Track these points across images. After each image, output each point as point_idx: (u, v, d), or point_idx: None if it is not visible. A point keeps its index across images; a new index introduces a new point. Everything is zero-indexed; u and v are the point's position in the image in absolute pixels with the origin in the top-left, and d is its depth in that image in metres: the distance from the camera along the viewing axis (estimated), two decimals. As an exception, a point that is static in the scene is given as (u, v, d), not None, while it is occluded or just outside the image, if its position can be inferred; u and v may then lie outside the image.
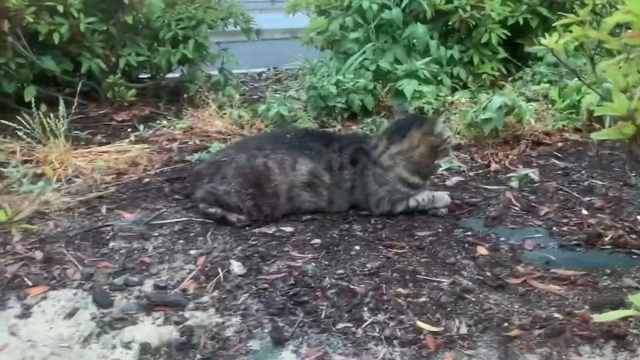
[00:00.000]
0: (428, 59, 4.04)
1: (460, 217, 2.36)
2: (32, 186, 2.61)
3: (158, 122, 3.83)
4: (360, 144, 2.47)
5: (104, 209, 2.48)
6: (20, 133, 2.97)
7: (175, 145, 3.39)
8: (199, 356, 1.54)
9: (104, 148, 3.31)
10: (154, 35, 4.37)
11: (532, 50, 3.55)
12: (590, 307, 1.70)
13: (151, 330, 1.66)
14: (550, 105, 3.51)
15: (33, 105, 3.14)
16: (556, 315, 1.66)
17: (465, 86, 4.24)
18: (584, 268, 1.92)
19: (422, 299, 1.77)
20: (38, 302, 1.80)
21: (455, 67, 4.28)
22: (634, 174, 2.53)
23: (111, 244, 2.18)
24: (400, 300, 1.76)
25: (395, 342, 1.57)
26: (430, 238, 2.17)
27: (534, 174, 2.73)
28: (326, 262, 2.01)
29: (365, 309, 1.72)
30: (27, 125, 3.09)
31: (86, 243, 2.19)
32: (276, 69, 6.03)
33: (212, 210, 2.35)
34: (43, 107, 3.45)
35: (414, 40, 4.22)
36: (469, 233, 2.21)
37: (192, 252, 2.10)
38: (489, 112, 2.99)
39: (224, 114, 3.80)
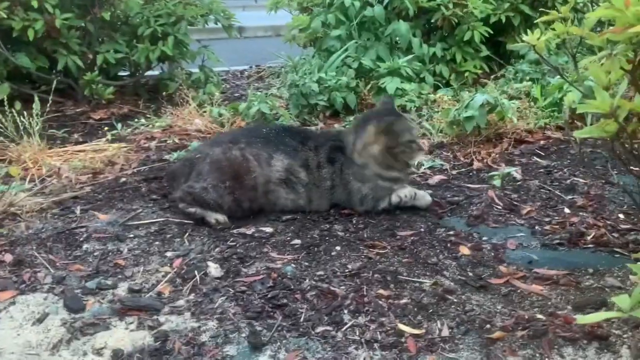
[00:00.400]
0: (410, 56, 4.01)
1: (443, 216, 2.33)
2: (3, 186, 2.52)
3: (136, 120, 3.75)
4: (336, 141, 2.42)
5: (78, 210, 2.41)
6: (-8, 132, 2.88)
7: (153, 144, 3.32)
8: (173, 362, 1.49)
9: (80, 147, 3.23)
10: (133, 31, 4.28)
11: (514, 47, 3.54)
12: (573, 308, 1.68)
13: (124, 335, 1.60)
14: (532, 103, 3.50)
15: (6, 103, 3.05)
16: (539, 316, 1.63)
17: (447, 84, 4.22)
18: (567, 267, 1.90)
19: (404, 301, 1.74)
20: (6, 307, 1.73)
21: (437, 65, 4.25)
22: (615, 172, 2.52)
23: (85, 246, 2.12)
24: (381, 302, 1.72)
25: (375, 345, 1.53)
26: (412, 238, 2.14)
27: (516, 172, 2.71)
28: (306, 263, 1.96)
29: (346, 311, 1.68)
30: (0, 124, 3.01)
31: (59, 245, 2.12)
32: (258, 66, 5.96)
33: (191, 209, 2.29)
34: (17, 105, 3.36)
35: (397, 38, 4.18)
36: (451, 232, 2.18)
37: (169, 253, 2.05)
38: (471, 110, 2.97)
39: (204, 112, 3.73)
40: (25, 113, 3.03)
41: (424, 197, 2.37)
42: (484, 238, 2.14)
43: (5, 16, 3.64)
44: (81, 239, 2.16)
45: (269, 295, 1.76)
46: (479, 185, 2.62)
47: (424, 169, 2.84)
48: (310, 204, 2.36)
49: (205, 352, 1.53)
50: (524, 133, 3.22)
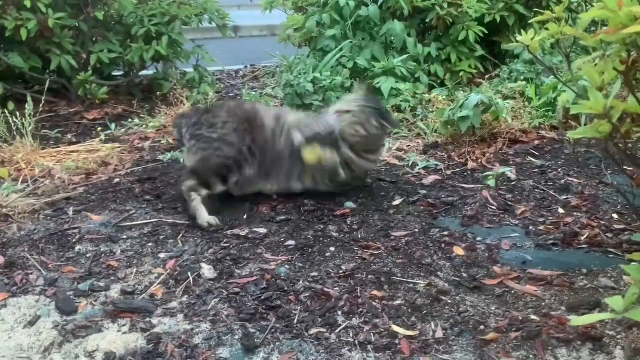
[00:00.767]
0: (405, 56, 4.00)
1: (437, 217, 2.33)
2: (-5, 188, 2.51)
3: (130, 120, 3.73)
4: None
5: (71, 211, 2.40)
6: (-16, 132, 2.86)
7: (147, 144, 3.30)
8: (165, 365, 1.48)
9: (73, 147, 3.21)
10: (127, 31, 4.26)
11: (509, 47, 3.54)
12: (567, 309, 1.67)
13: (116, 338, 1.59)
14: (527, 103, 3.50)
15: (-2, 103, 3.04)
16: (533, 317, 1.63)
17: (442, 84, 4.21)
18: (561, 268, 1.90)
19: (398, 302, 1.73)
20: (-3, 310, 1.72)
21: (432, 65, 4.24)
22: (609, 172, 2.52)
23: (77, 247, 2.11)
24: (375, 304, 1.72)
25: (369, 347, 1.53)
26: (406, 238, 2.14)
27: (510, 172, 2.71)
28: (300, 265, 1.96)
29: (340, 313, 1.68)
30: (-8, 124, 2.99)
31: (51, 247, 2.11)
32: (253, 66, 5.94)
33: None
34: (10, 105, 3.35)
35: (392, 38, 4.17)
36: (446, 233, 2.17)
37: (162, 255, 2.04)
38: (465, 110, 2.97)
39: (199, 112, 3.71)
40: (18, 113, 3.02)
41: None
42: (479, 238, 2.13)
43: (-3, 16, 3.62)
44: (74, 241, 2.15)
45: (262, 297, 1.75)
46: (473, 186, 2.62)
47: (419, 169, 2.83)
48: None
49: (198, 354, 1.52)
50: (519, 133, 3.22)
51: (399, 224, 2.26)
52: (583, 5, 3.44)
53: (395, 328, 1.60)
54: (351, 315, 1.66)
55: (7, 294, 1.79)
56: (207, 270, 1.91)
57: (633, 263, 1.77)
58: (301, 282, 1.84)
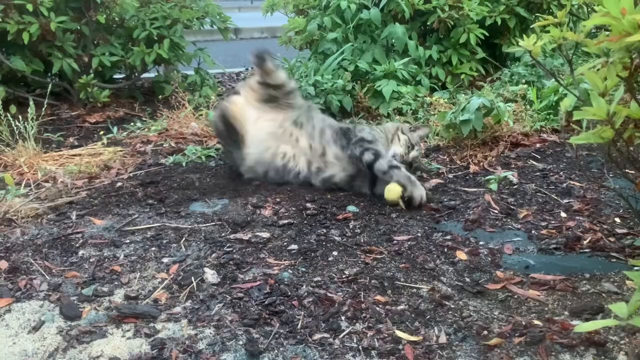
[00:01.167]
0: (407, 59, 4.01)
1: (440, 221, 2.33)
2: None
3: (132, 123, 3.74)
4: None
5: (74, 215, 2.40)
6: (-14, 136, 2.87)
7: (149, 147, 3.31)
8: (170, 371, 1.49)
9: (75, 151, 3.22)
10: (128, 34, 4.28)
11: (511, 51, 3.55)
12: (570, 313, 1.68)
13: (121, 343, 1.59)
14: (528, 106, 3.51)
15: (1, 107, 3.04)
16: (536, 322, 1.63)
17: (443, 86, 4.23)
18: (563, 272, 1.90)
19: (401, 307, 1.73)
20: (1, 315, 1.72)
21: (433, 68, 4.26)
22: (611, 176, 2.53)
23: (81, 252, 2.11)
24: (378, 308, 1.72)
25: (373, 352, 1.53)
26: (409, 242, 2.14)
27: (512, 175, 2.72)
28: (303, 269, 1.96)
29: (343, 318, 1.68)
30: (-5, 128, 3.00)
31: (54, 251, 2.11)
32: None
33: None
34: (12, 109, 3.35)
35: (393, 41, 4.19)
36: (448, 237, 2.18)
37: (165, 259, 2.04)
38: (467, 114, 2.97)
39: (200, 115, 3.73)
40: (20, 117, 3.03)
41: None
42: (481, 242, 2.14)
43: (0, 19, 3.63)
44: (77, 245, 2.16)
45: (266, 302, 1.76)
46: (475, 189, 2.63)
47: (421, 172, 2.84)
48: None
49: (202, 360, 1.52)
50: (520, 136, 3.23)
51: (401, 227, 2.27)
52: (584, 7, 3.44)
53: (399, 333, 1.60)
54: (354, 321, 1.67)
55: (11, 299, 1.80)
56: (211, 275, 1.92)
57: (636, 268, 1.79)
58: (304, 286, 1.84)
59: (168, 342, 1.58)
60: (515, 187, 2.63)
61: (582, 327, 1.19)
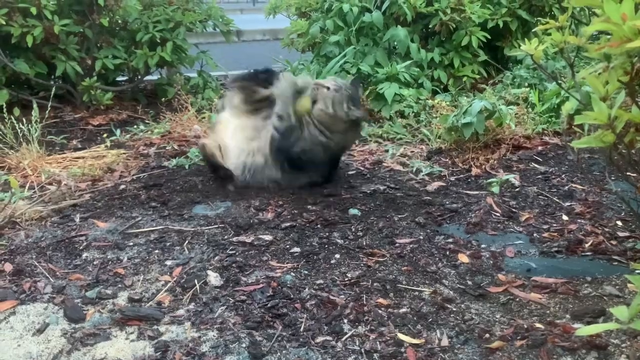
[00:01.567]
0: (409, 62, 4.03)
1: (442, 223, 2.34)
2: (2, 194, 2.53)
3: (135, 126, 3.75)
4: None
5: (77, 218, 2.42)
6: (-9, 139, 2.89)
7: (152, 150, 3.32)
8: (173, 373, 1.50)
9: (79, 154, 3.24)
10: (131, 37, 4.30)
11: (512, 54, 3.55)
12: (571, 317, 1.68)
13: (124, 346, 1.60)
14: (530, 109, 3.52)
15: (5, 109, 3.06)
16: (538, 325, 1.64)
17: (445, 89, 4.23)
18: (565, 275, 1.91)
19: (403, 310, 1.74)
20: (6, 317, 1.73)
21: (435, 70, 4.27)
22: (613, 179, 2.54)
23: (84, 254, 2.12)
24: (381, 311, 1.73)
25: (375, 355, 1.54)
26: (411, 245, 2.15)
27: (514, 178, 2.72)
28: (306, 272, 1.97)
29: (346, 320, 1.69)
30: (-1, 131, 3.02)
31: (58, 254, 2.12)
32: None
33: None
34: (16, 112, 3.36)
35: (395, 43, 4.20)
36: (450, 240, 2.19)
37: (168, 262, 2.05)
38: (469, 117, 2.98)
39: (203, 117, 3.74)
40: (24, 119, 3.04)
41: None
42: (483, 245, 2.15)
43: (4, 23, 3.65)
44: (81, 248, 2.17)
45: (268, 305, 1.77)
46: (477, 192, 2.63)
47: (423, 175, 2.85)
48: None
49: (205, 362, 1.53)
50: (522, 139, 3.24)
51: (404, 230, 2.28)
52: (586, 10, 3.44)
53: (401, 336, 1.61)
54: (357, 323, 1.67)
55: (16, 302, 1.81)
56: (214, 278, 1.93)
57: (637, 271, 1.79)
58: (307, 289, 1.85)
59: (171, 345, 1.59)
60: (517, 190, 2.64)
61: (584, 330, 1.20)
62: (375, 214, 2.42)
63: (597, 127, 1.55)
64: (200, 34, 4.87)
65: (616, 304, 1.73)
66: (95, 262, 2.06)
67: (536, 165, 2.95)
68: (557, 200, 2.51)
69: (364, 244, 2.17)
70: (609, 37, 1.39)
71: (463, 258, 2.04)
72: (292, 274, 1.95)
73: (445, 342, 1.58)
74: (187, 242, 2.20)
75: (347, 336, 1.62)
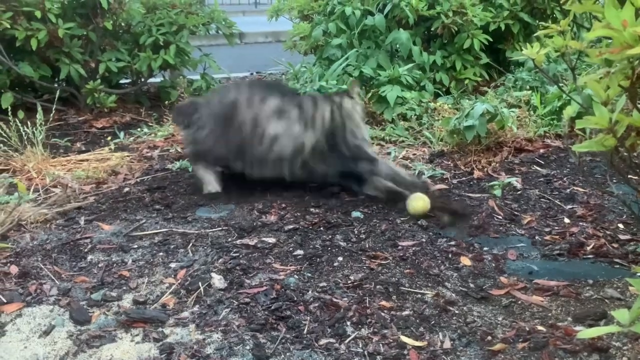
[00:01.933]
0: (411, 64, 4.04)
1: (444, 226, 2.35)
2: (7, 197, 2.55)
3: (139, 129, 3.78)
4: None
5: (82, 221, 2.43)
6: (-4, 142, 2.91)
7: (156, 153, 3.34)
8: (178, 375, 1.51)
9: (83, 156, 3.26)
10: (135, 40, 4.33)
11: (514, 57, 3.56)
12: (573, 319, 1.69)
13: (130, 348, 1.62)
14: (532, 112, 3.53)
15: (9, 112, 3.08)
16: (539, 327, 1.65)
17: (447, 92, 4.25)
18: (567, 278, 1.92)
19: (406, 312, 1.75)
20: (13, 319, 1.75)
21: (437, 73, 4.28)
22: (614, 182, 2.55)
23: (89, 257, 2.14)
24: (383, 314, 1.74)
25: (378, 358, 1.55)
26: (413, 248, 2.16)
27: (516, 181, 2.74)
28: (309, 274, 1.98)
29: (349, 323, 1.70)
30: (3, 133, 3.03)
31: (63, 256, 2.14)
32: (259, 73, 5.99)
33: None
34: (20, 114, 3.39)
35: (397, 46, 4.22)
36: (452, 243, 2.20)
37: (173, 265, 2.07)
38: (471, 119, 2.99)
39: (206, 120, 3.75)
40: (28, 122, 3.06)
41: None
42: (485, 248, 2.16)
43: (8, 26, 3.68)
44: (86, 250, 2.19)
45: (272, 307, 1.78)
46: (479, 195, 2.64)
47: (425, 177, 2.86)
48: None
49: (210, 364, 1.54)
50: (524, 141, 3.25)
51: (406, 233, 2.29)
52: (587, 13, 3.46)
53: (404, 338, 1.62)
54: (360, 326, 1.69)
55: (22, 304, 1.83)
56: (218, 280, 1.94)
57: (638, 274, 1.80)
58: (310, 292, 1.87)
59: (176, 347, 1.61)
60: (519, 192, 2.65)
61: (585, 333, 1.21)
62: (377, 217, 2.44)
63: (598, 131, 1.56)
64: (203, 37, 4.89)
65: (617, 306, 1.74)
66: (100, 265, 2.08)
67: (538, 168, 2.96)
68: (559, 203, 2.52)
69: (367, 246, 2.18)
70: (609, 41, 1.40)
71: (465, 261, 2.06)
72: (296, 276, 1.96)
73: (447, 344, 1.60)
74: (191, 244, 2.21)
75: (350, 338, 1.63)
